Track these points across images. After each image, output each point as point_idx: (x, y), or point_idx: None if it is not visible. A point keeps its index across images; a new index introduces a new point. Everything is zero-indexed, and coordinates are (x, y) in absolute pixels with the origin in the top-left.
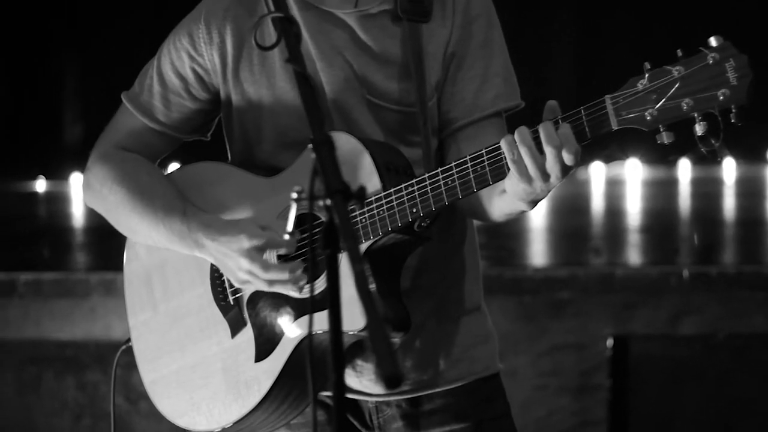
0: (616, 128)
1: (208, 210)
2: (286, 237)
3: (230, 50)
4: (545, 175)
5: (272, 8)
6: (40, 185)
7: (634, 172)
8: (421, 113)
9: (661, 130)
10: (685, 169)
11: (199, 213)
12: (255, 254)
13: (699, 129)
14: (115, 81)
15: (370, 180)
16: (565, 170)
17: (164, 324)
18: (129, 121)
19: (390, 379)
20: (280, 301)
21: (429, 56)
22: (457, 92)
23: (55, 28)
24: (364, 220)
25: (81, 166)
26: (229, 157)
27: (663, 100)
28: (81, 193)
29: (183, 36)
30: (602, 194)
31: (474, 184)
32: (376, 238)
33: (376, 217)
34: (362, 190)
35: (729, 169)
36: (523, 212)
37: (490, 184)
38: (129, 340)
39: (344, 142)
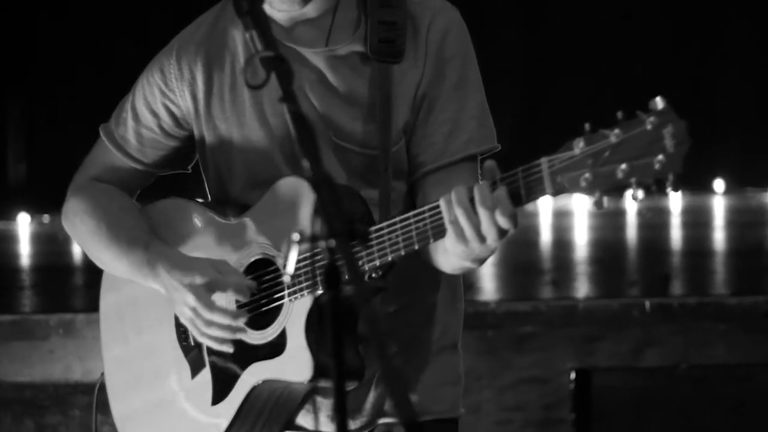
0: (551, 193)
1: (172, 246)
2: (287, 278)
3: (201, 86)
4: (481, 237)
5: (260, 46)
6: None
7: (580, 203)
8: (383, 158)
9: (597, 196)
10: (631, 200)
11: (161, 246)
12: (203, 292)
13: (636, 195)
14: (58, 120)
15: (304, 222)
16: (502, 233)
17: (134, 359)
18: (104, 155)
19: (411, 425)
20: (235, 346)
21: (398, 97)
22: (427, 135)
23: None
24: (307, 273)
25: (26, 206)
26: (207, 192)
27: (598, 165)
28: (63, 225)
29: (155, 71)
30: (550, 226)
31: (416, 241)
32: (318, 291)
33: (304, 269)
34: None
35: (675, 199)
36: (471, 269)
37: (431, 242)
38: (103, 374)
39: (292, 185)
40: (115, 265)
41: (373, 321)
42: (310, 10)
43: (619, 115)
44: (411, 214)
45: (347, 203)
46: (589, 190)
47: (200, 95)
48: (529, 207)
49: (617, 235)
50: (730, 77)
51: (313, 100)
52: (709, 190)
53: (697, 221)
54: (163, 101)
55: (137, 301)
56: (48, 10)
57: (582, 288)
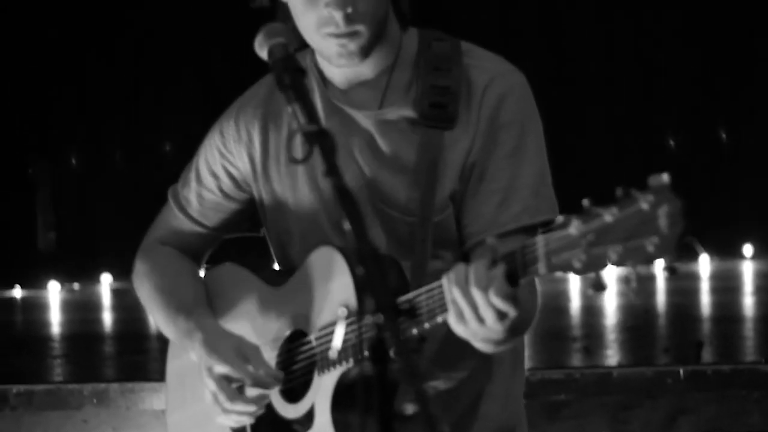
0: (545, 273)
1: (218, 315)
2: (333, 354)
3: (258, 148)
4: (479, 318)
5: (302, 120)
6: (17, 293)
7: (608, 268)
8: (420, 227)
9: (594, 277)
10: (659, 264)
11: (202, 316)
12: (223, 381)
13: (631, 279)
14: (87, 190)
15: (349, 299)
16: (500, 314)
17: (190, 426)
18: (169, 216)
19: None
20: (273, 421)
21: (447, 165)
22: (477, 206)
23: (28, 139)
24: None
25: (56, 274)
26: (273, 256)
27: (593, 246)
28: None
29: (216, 133)
30: (578, 291)
31: (425, 319)
32: (347, 366)
33: (349, 343)
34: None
35: (704, 263)
36: (490, 350)
37: (438, 322)
38: None
39: (328, 257)
40: (166, 330)
41: (422, 397)
42: (367, 71)
43: (618, 191)
44: (423, 290)
45: (383, 267)
46: (582, 273)
47: (257, 157)
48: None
49: (647, 301)
50: (759, 141)
51: (361, 164)
52: (739, 255)
53: (726, 286)
54: (222, 163)
55: (196, 367)
56: (71, 79)
57: (614, 355)
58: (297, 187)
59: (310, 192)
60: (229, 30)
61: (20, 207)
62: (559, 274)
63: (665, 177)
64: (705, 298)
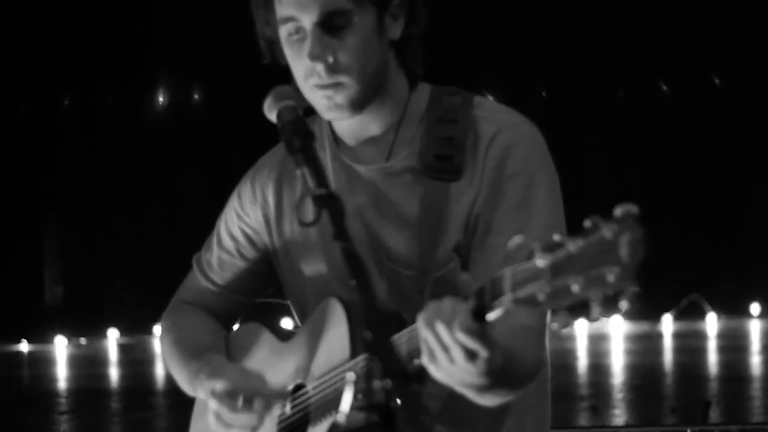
0: (510, 307)
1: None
2: (341, 418)
3: (272, 208)
4: (449, 358)
5: (311, 183)
6: (23, 348)
7: (615, 326)
8: (419, 280)
9: (559, 314)
10: (667, 323)
11: (211, 356)
12: (225, 396)
13: (594, 315)
14: (94, 244)
15: (343, 353)
16: (469, 354)
17: None
18: (194, 279)
19: None
20: None
21: (451, 217)
22: (484, 259)
23: (35, 192)
24: (327, 395)
25: (63, 329)
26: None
27: (556, 277)
28: None
29: (234, 196)
30: (586, 349)
31: (405, 361)
32: (333, 417)
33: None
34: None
35: (711, 322)
36: (477, 399)
37: (416, 365)
38: None
39: (333, 310)
40: (181, 381)
41: None
42: (374, 127)
43: (587, 223)
44: (408, 328)
45: (382, 328)
46: (547, 306)
47: (272, 218)
48: (565, 330)
49: (654, 360)
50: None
51: (366, 220)
52: (746, 314)
53: (734, 345)
54: (239, 224)
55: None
56: (82, 128)
57: (622, 415)
58: (308, 248)
59: (320, 252)
60: (240, 81)
61: (27, 259)
62: (564, 330)
63: (633, 207)
64: (712, 357)
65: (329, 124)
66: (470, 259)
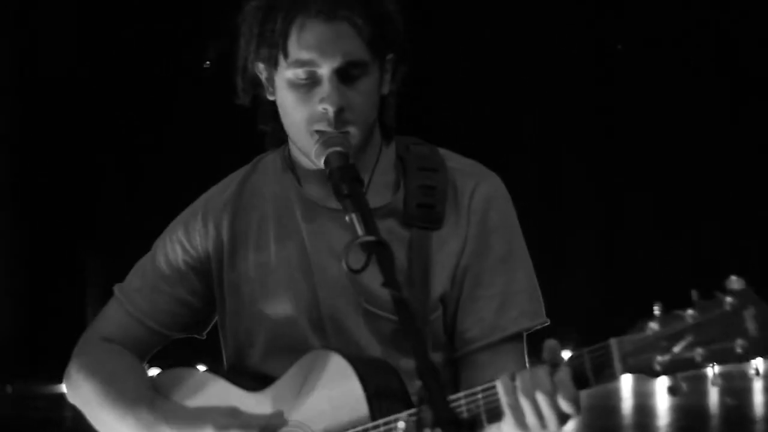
0: (621, 375)
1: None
2: None
3: (226, 245)
4: (543, 424)
5: (360, 229)
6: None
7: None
8: (416, 330)
9: (673, 380)
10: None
11: (166, 403)
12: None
13: (716, 381)
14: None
15: (358, 408)
16: (563, 418)
17: None
18: (117, 313)
19: None
20: None
21: (437, 266)
22: (476, 310)
23: (78, 237)
24: None
25: None
26: (224, 360)
27: (674, 348)
28: (65, 389)
29: (179, 228)
30: (631, 390)
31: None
32: None
33: None
34: (474, 420)
35: (757, 361)
36: None
37: (484, 427)
38: None
39: (332, 363)
40: (119, 427)
41: None
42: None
43: (694, 294)
44: (462, 394)
45: (383, 379)
46: (662, 374)
47: (225, 254)
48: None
49: (700, 401)
50: None
51: (345, 262)
52: None
53: None
54: (184, 259)
55: None
56: (128, 175)
57: None
58: (268, 287)
59: (285, 292)
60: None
61: (71, 302)
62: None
63: (741, 280)
64: (759, 398)
65: (291, 161)
66: (460, 309)
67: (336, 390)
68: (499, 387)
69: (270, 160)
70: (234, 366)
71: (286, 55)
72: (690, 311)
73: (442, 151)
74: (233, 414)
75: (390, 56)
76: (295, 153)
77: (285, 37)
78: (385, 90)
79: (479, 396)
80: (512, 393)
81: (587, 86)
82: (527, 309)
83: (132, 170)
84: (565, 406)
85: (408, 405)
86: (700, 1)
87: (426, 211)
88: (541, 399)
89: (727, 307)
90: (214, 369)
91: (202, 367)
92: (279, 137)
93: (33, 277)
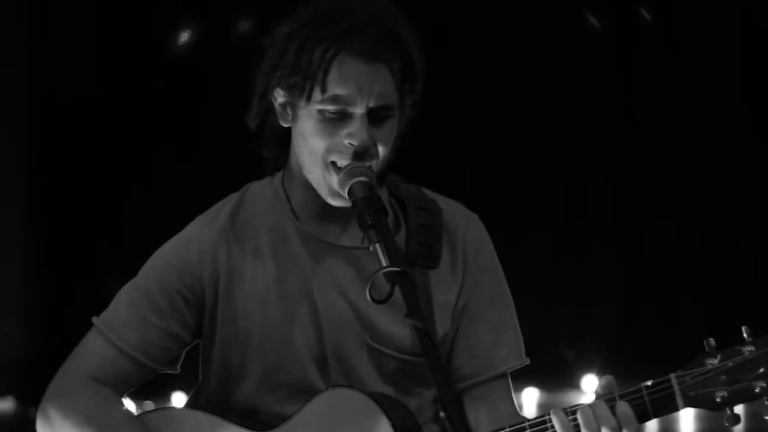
0: (682, 408)
1: None
2: None
3: (222, 277)
4: None
5: (384, 260)
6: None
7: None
8: (407, 363)
9: (728, 411)
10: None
11: None
12: None
13: (766, 411)
14: None
15: None
16: None
17: None
18: (101, 347)
19: None
20: None
21: (438, 305)
22: (471, 347)
23: (102, 261)
24: None
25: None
26: (193, 392)
27: (735, 382)
28: (38, 427)
29: (173, 258)
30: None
31: None
32: None
33: None
34: None
35: None
36: None
37: None
38: None
39: (354, 401)
40: None
41: None
42: (343, 209)
43: (745, 330)
44: (508, 429)
45: (400, 416)
46: (723, 407)
47: (221, 287)
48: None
49: (723, 426)
50: None
51: (350, 298)
52: None
53: None
54: (178, 289)
55: None
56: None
57: None
58: (267, 322)
59: (288, 327)
60: None
61: (90, 316)
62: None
63: None
64: None
65: (286, 193)
66: (455, 346)
67: (363, 426)
68: (556, 422)
69: (258, 190)
70: (214, 400)
71: (324, 90)
72: (747, 346)
73: (426, 190)
74: None
75: (408, 98)
76: (290, 185)
77: (326, 72)
78: (398, 132)
79: (527, 431)
80: (570, 427)
81: (611, 98)
82: (514, 348)
83: (156, 190)
84: None
85: None
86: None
87: (426, 250)
88: None
89: None
90: (194, 405)
91: (180, 396)
92: (279, 166)
93: (50, 292)
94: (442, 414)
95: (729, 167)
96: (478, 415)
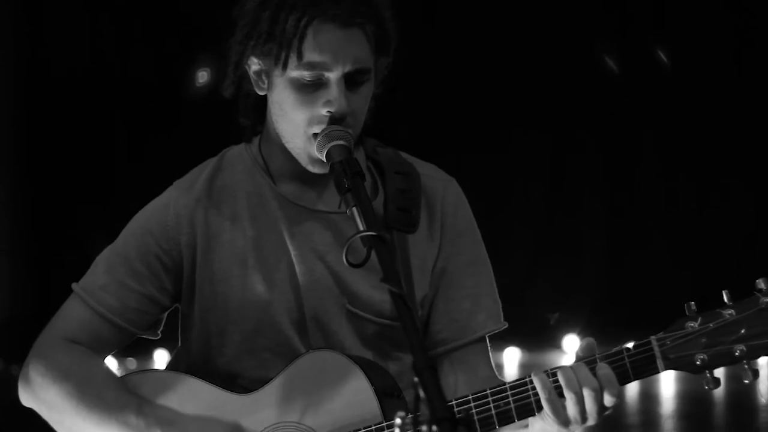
0: (661, 370)
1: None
2: None
3: (200, 242)
4: (584, 418)
5: (361, 224)
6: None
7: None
8: (385, 327)
9: (708, 374)
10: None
11: (156, 407)
12: None
13: (745, 375)
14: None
15: (367, 407)
16: (603, 411)
17: None
18: (80, 312)
19: None
20: None
21: (416, 269)
22: (449, 311)
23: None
24: None
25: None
26: (172, 357)
27: (714, 345)
28: (19, 391)
29: (150, 222)
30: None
31: (496, 421)
32: None
33: None
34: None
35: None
36: None
37: (514, 421)
38: None
39: (335, 363)
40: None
41: None
42: (319, 169)
43: (725, 294)
44: (489, 391)
45: (381, 379)
46: (703, 370)
47: (198, 252)
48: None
49: (704, 388)
50: None
51: (328, 263)
52: None
53: None
54: (156, 253)
55: None
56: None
57: None
58: (247, 285)
59: (266, 291)
60: None
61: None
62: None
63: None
64: (765, 386)
65: (263, 159)
66: (434, 310)
67: (345, 388)
68: (538, 383)
69: (235, 155)
70: (196, 364)
71: (300, 57)
72: (728, 309)
73: (404, 154)
74: (236, 429)
75: (382, 61)
76: (268, 151)
77: (301, 39)
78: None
79: (508, 393)
80: (552, 389)
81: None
82: (493, 312)
83: (145, 164)
84: (609, 401)
85: (405, 403)
86: None
87: (404, 215)
88: (588, 395)
89: (763, 305)
90: (174, 369)
91: (162, 353)
92: (257, 131)
93: (37, 255)
94: (415, 379)
95: (717, 118)
96: (457, 379)
